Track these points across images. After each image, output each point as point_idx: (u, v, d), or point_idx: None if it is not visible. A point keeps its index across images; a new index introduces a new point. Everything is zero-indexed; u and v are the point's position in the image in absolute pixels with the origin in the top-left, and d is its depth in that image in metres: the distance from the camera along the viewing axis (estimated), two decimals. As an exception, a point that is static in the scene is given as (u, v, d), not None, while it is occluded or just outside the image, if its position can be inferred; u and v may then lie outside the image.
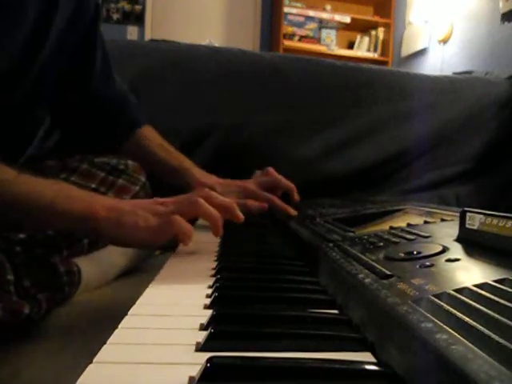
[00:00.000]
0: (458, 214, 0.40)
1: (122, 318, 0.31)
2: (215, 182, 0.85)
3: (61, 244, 0.67)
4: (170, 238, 0.53)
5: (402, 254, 0.36)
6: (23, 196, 0.51)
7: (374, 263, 0.35)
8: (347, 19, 3.65)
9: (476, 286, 0.26)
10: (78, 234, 0.67)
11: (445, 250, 0.35)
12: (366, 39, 3.78)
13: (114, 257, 0.78)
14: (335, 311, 0.34)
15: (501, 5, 2.26)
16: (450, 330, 0.21)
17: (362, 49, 3.77)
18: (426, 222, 0.50)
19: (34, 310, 0.55)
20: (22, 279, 0.55)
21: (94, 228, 0.52)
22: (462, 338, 0.20)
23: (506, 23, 2.24)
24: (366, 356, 0.26)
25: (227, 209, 0.58)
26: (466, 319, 0.22)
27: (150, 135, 0.91)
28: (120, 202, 0.57)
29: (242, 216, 0.59)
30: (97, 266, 0.74)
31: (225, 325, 0.30)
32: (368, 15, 3.83)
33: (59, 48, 0.71)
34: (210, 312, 0.31)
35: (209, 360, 0.23)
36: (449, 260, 0.32)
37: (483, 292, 0.25)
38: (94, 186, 0.75)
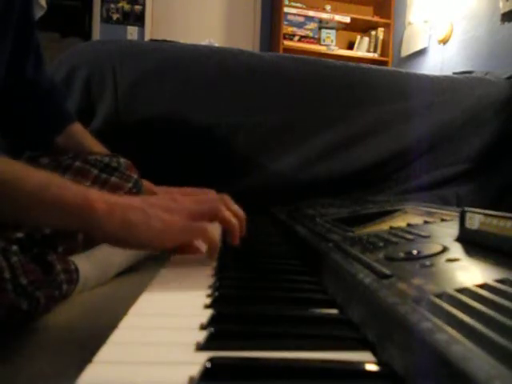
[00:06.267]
0: (458, 214, 0.40)
1: (122, 318, 0.31)
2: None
3: (55, 239, 0.67)
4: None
5: (402, 254, 0.36)
6: (8, 178, 0.45)
7: (374, 263, 0.35)
8: (347, 19, 3.65)
9: (476, 286, 0.26)
10: (74, 229, 0.57)
11: (445, 249, 0.35)
12: (366, 39, 3.78)
13: (113, 255, 0.78)
14: (335, 311, 0.34)
15: (501, 5, 2.26)
16: (449, 330, 0.21)
17: (362, 49, 3.76)
18: (426, 222, 0.50)
19: (33, 306, 0.55)
20: (19, 277, 0.55)
21: (91, 224, 0.45)
22: (462, 338, 0.20)
23: (506, 23, 2.24)
24: (366, 356, 0.26)
25: (241, 219, 0.53)
26: (466, 319, 0.22)
27: (83, 131, 0.91)
28: (124, 197, 0.51)
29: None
30: (95, 264, 0.74)
31: (225, 324, 0.30)
32: (368, 15, 3.82)
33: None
34: (210, 311, 0.31)
35: (209, 360, 0.23)
36: (449, 260, 0.32)
37: (483, 292, 0.25)
38: (87, 184, 0.75)
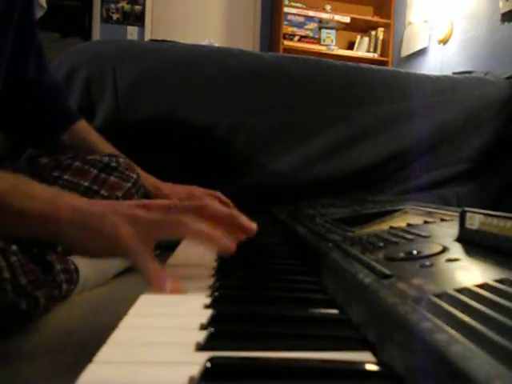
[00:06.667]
0: (458, 214, 0.40)
1: (122, 318, 0.31)
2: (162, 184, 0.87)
3: None
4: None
5: (402, 254, 0.36)
6: None
7: (374, 263, 0.35)
8: (347, 19, 3.65)
9: (476, 285, 0.26)
10: (42, 238, 0.53)
11: (445, 249, 0.35)
12: (366, 39, 3.78)
13: (112, 255, 0.78)
14: (335, 311, 0.34)
15: (501, 5, 2.26)
16: (449, 330, 0.21)
17: (362, 49, 3.76)
18: (426, 222, 0.50)
19: (32, 306, 0.55)
20: (19, 277, 0.55)
21: (56, 232, 0.44)
22: (461, 338, 0.20)
23: (506, 23, 2.24)
24: (366, 356, 0.26)
25: (232, 218, 0.48)
26: (466, 319, 0.22)
27: (87, 128, 0.91)
28: (94, 202, 0.48)
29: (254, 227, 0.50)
30: (95, 264, 0.74)
31: (225, 324, 0.30)
32: (368, 15, 3.82)
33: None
34: (210, 311, 0.31)
35: (209, 360, 0.23)
36: (449, 260, 0.32)
37: (483, 292, 0.25)
38: (86, 183, 0.75)
